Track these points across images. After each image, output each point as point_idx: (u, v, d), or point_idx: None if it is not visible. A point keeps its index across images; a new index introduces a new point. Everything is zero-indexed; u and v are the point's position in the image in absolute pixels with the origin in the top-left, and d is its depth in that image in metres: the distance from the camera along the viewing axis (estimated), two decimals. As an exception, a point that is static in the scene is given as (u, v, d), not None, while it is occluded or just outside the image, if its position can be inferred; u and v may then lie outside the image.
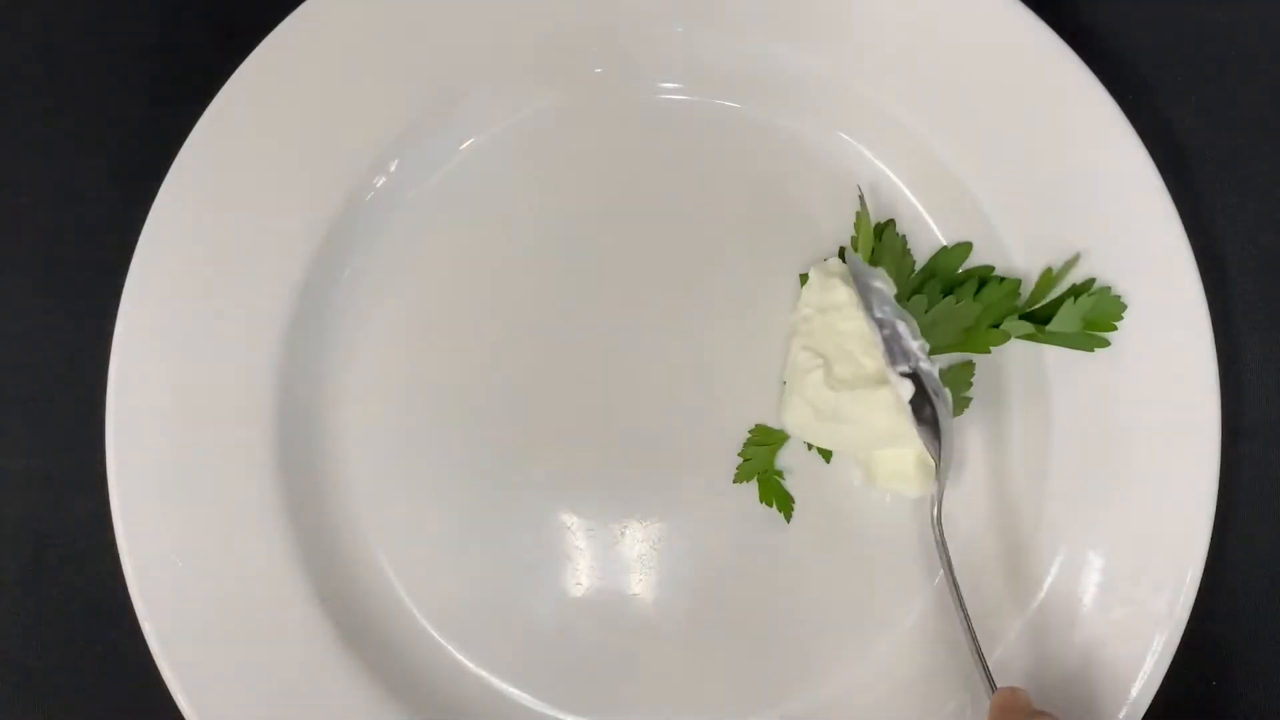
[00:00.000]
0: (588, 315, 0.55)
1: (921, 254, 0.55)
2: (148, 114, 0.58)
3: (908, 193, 0.55)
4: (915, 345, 0.49)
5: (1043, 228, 0.53)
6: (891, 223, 0.55)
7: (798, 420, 0.51)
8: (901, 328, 0.50)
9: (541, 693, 0.53)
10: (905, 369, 0.49)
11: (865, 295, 0.50)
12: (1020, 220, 0.53)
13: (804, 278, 0.53)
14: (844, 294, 0.51)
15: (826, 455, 0.54)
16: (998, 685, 0.48)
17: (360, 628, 0.52)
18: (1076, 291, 0.51)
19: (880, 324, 0.49)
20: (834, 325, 0.51)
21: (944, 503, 0.51)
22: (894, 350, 0.49)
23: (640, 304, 0.55)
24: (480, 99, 0.55)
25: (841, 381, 0.50)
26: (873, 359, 0.50)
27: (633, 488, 0.54)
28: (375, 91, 0.54)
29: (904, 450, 0.51)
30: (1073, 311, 0.51)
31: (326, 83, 0.54)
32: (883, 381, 0.49)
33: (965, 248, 0.54)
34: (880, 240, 0.54)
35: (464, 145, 0.56)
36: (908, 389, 0.48)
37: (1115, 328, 0.51)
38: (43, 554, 0.55)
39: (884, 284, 0.51)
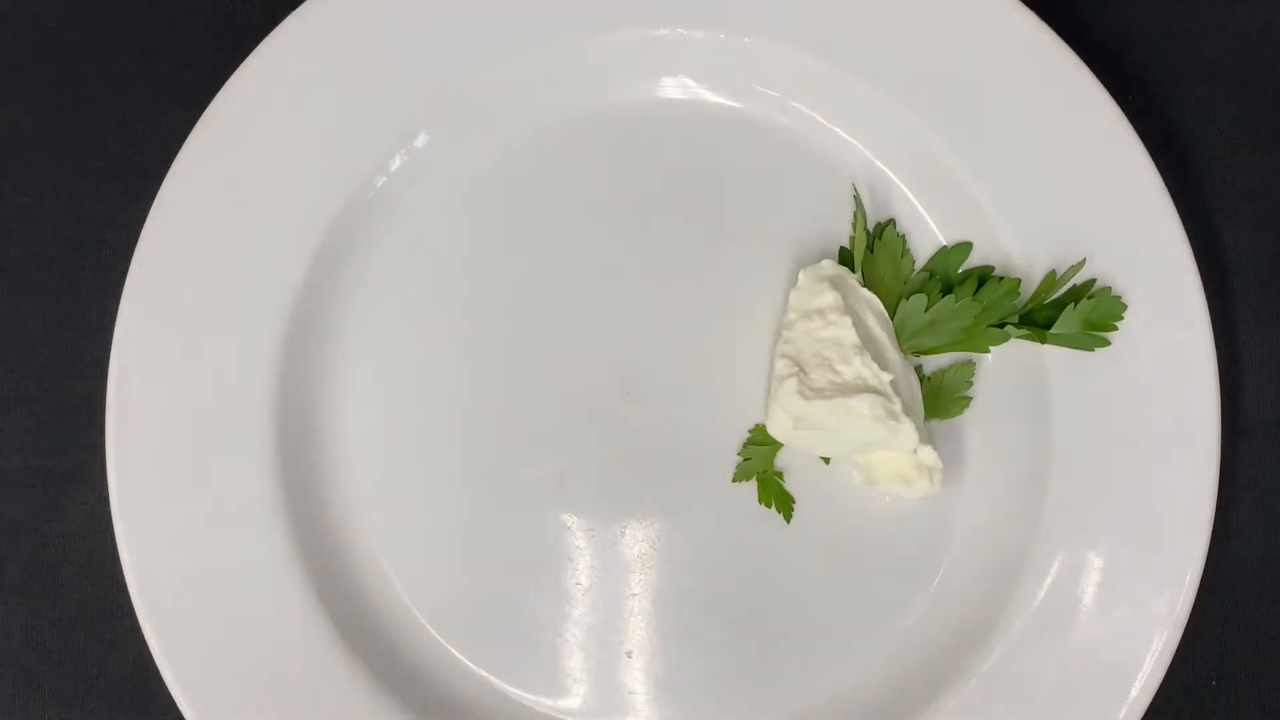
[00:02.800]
0: (587, 314, 0.55)
1: (921, 254, 0.55)
2: (148, 114, 0.58)
3: (907, 193, 0.55)
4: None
5: (1043, 228, 0.53)
6: (891, 222, 0.55)
7: (780, 427, 0.51)
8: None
9: (541, 692, 0.53)
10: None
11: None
12: (1020, 220, 0.53)
13: (802, 278, 0.53)
14: (830, 298, 0.51)
15: (826, 456, 0.54)
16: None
17: (360, 628, 0.52)
18: (1077, 295, 0.51)
19: None
20: (814, 332, 0.51)
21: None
22: None
23: (640, 303, 0.55)
24: (480, 99, 0.55)
25: (816, 391, 0.50)
26: (849, 367, 0.50)
27: (633, 488, 0.54)
28: (375, 91, 0.54)
29: (902, 451, 0.51)
30: (1073, 315, 0.51)
31: (326, 83, 0.54)
32: (857, 390, 0.49)
33: (965, 248, 0.54)
34: (880, 240, 0.54)
35: (464, 145, 0.56)
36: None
37: (1115, 328, 0.51)
38: (43, 554, 0.55)
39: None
